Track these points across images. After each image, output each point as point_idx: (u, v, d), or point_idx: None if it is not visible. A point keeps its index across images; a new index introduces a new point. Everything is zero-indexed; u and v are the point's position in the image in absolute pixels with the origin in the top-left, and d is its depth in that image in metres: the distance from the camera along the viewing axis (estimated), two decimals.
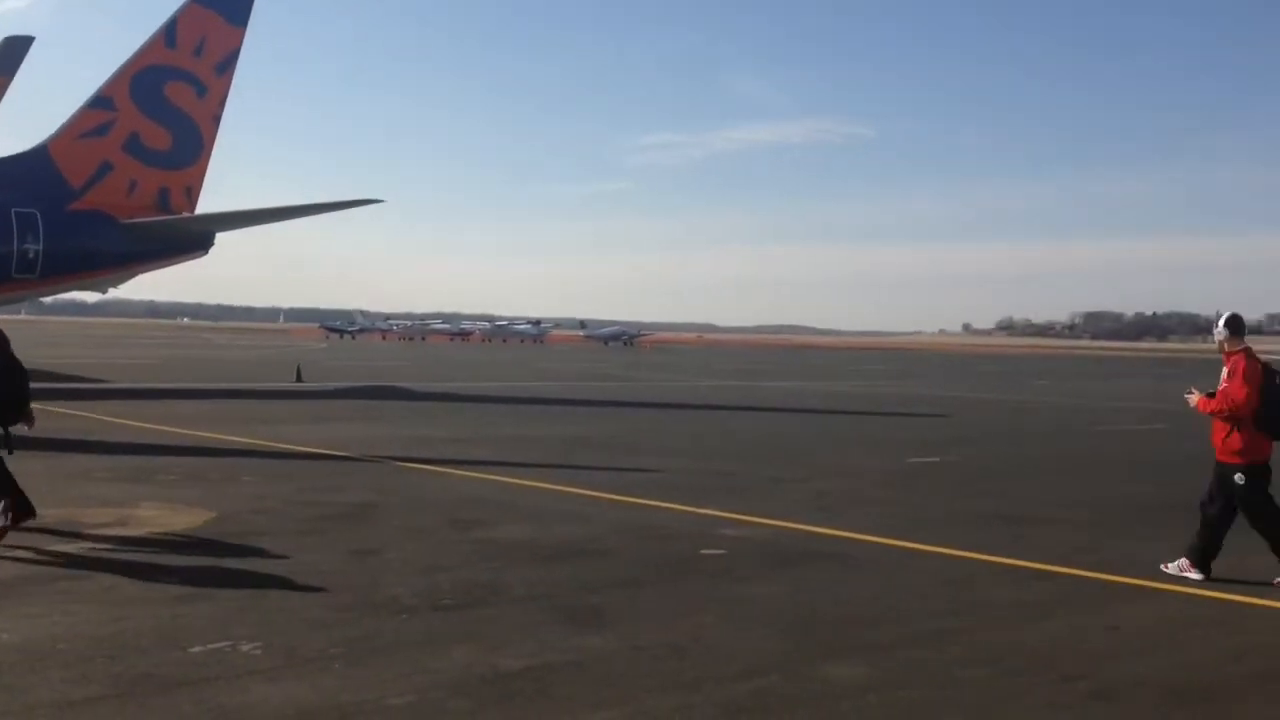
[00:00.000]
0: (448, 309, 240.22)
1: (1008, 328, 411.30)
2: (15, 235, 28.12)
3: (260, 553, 9.26)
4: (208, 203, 33.98)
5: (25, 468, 13.95)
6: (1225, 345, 9.28)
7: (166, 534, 9.98)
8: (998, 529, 11.49)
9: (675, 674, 6.27)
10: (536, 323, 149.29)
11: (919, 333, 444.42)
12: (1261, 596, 8.55)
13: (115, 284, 32.93)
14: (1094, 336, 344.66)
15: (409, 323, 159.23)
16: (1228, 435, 9.06)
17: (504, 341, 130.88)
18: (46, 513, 10.47)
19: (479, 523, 11.03)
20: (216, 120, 33.66)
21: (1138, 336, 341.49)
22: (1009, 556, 9.96)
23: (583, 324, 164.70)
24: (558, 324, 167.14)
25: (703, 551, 9.82)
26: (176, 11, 32.16)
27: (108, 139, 30.89)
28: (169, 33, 31.96)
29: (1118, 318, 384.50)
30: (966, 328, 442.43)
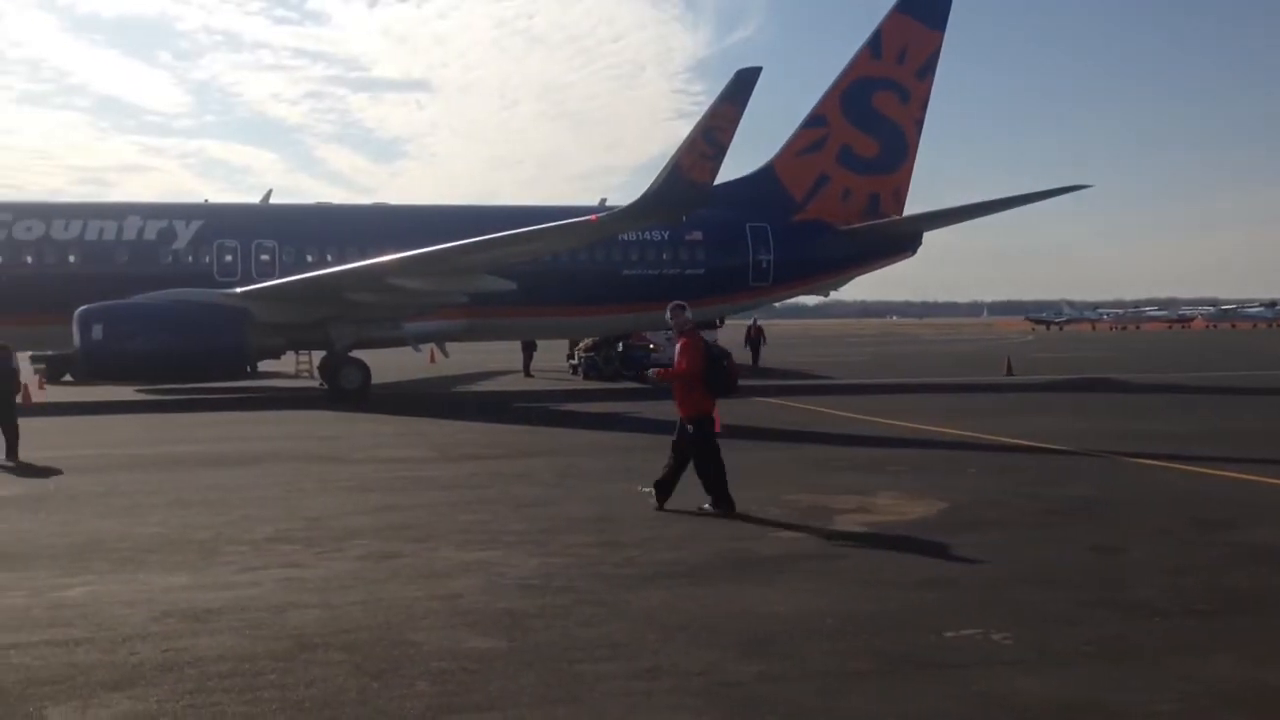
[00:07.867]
0: (1161, 294, 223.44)
1: None
2: (750, 247, 31.99)
3: (994, 544, 9.40)
4: (912, 204, 35.29)
5: (774, 456, 15.55)
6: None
7: (905, 521, 10.52)
8: None
9: None
10: (1272, 304, 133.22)
11: None
12: None
13: (835, 287, 35.46)
14: None
15: (1120, 311, 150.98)
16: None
17: (1232, 327, 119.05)
18: (800, 498, 11.71)
19: (1225, 524, 10.19)
20: (919, 124, 34.79)
21: None
22: None
23: None
24: None
25: None
26: (881, 22, 33.86)
27: (823, 153, 33.48)
28: (874, 44, 33.74)
29: None
30: None
